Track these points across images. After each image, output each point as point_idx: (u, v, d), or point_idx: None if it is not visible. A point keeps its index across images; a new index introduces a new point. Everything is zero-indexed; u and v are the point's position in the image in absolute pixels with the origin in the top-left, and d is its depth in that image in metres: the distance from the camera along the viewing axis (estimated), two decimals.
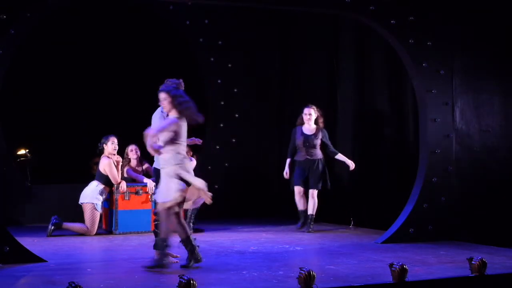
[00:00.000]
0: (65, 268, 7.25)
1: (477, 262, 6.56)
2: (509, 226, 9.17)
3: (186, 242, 7.31)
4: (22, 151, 11.68)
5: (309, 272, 5.89)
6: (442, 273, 6.90)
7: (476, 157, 9.43)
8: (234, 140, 12.22)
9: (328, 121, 11.67)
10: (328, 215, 11.35)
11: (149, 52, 12.13)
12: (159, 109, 7.84)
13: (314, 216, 10.16)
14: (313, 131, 10.14)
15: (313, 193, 10.12)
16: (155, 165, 7.82)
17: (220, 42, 12.20)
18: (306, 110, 10.16)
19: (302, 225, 10.27)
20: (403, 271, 6.20)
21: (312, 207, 10.14)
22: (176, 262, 7.62)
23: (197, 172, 10.70)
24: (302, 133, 10.16)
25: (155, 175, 7.84)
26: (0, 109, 10.86)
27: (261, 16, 12.16)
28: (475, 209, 9.31)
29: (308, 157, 10.11)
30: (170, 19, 12.04)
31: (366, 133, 10.86)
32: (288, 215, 11.98)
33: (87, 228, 9.70)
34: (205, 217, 11.06)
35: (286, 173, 10.30)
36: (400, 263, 6.26)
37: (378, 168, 10.67)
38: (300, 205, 10.28)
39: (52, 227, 9.57)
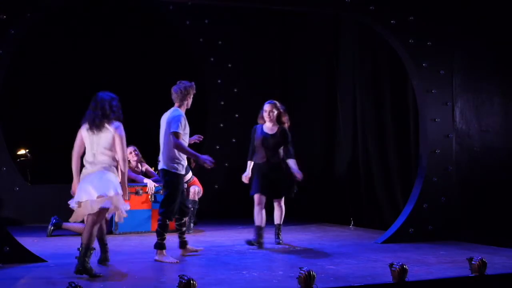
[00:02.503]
0: (65, 268, 7.23)
1: (477, 262, 6.56)
2: (509, 226, 9.17)
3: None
4: (22, 151, 11.69)
5: (309, 272, 5.89)
6: (442, 273, 6.90)
7: (476, 157, 9.43)
8: (234, 140, 12.23)
9: (328, 121, 11.71)
10: (328, 215, 11.37)
11: (149, 53, 12.14)
12: (172, 110, 7.86)
13: (281, 225, 9.03)
14: (274, 131, 8.87)
15: (280, 202, 8.96)
16: (161, 166, 7.86)
17: (220, 42, 12.21)
18: (266, 106, 8.88)
19: (257, 242, 8.67)
20: (403, 271, 6.20)
21: (279, 216, 8.97)
22: (177, 262, 7.64)
23: (197, 172, 10.78)
24: (262, 132, 8.89)
25: (162, 176, 7.89)
26: (0, 109, 10.87)
27: (261, 16, 12.16)
28: (475, 209, 9.30)
29: (268, 160, 8.83)
30: (170, 19, 12.05)
31: (366, 133, 10.85)
32: (287, 215, 11.98)
33: None
34: (205, 217, 11.08)
35: (245, 176, 8.99)
36: (400, 263, 6.26)
37: (378, 168, 10.67)
38: (257, 219, 8.72)
39: (52, 227, 9.58)
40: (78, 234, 9.67)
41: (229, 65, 12.26)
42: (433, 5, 9.25)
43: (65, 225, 9.66)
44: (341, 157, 11.36)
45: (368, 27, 9.90)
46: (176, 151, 7.71)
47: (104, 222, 7.51)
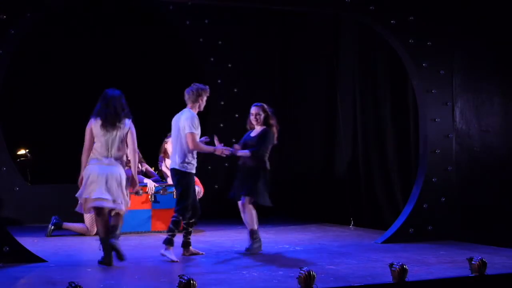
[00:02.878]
0: (65, 268, 7.25)
1: (477, 262, 6.56)
2: (509, 226, 9.18)
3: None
4: (22, 151, 11.69)
5: (309, 272, 5.90)
6: (442, 273, 6.90)
7: (476, 157, 9.43)
8: (234, 140, 12.21)
9: (328, 121, 11.70)
10: (328, 215, 11.36)
11: (149, 53, 12.14)
12: (184, 111, 7.97)
13: (255, 230, 8.32)
14: (258, 132, 8.48)
15: (245, 201, 8.32)
16: (172, 165, 7.96)
17: (220, 42, 12.20)
18: (252, 109, 8.55)
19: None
20: (403, 271, 6.20)
21: (249, 219, 8.34)
22: (177, 261, 7.65)
23: (198, 172, 10.78)
24: (247, 135, 8.61)
25: (173, 176, 7.99)
26: (0, 109, 10.87)
27: (261, 16, 12.16)
28: (475, 209, 9.31)
29: (244, 163, 8.40)
30: (170, 19, 12.05)
31: (366, 133, 10.86)
32: (288, 215, 11.99)
33: (87, 228, 9.71)
34: (205, 217, 11.06)
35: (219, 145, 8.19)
36: (400, 263, 6.27)
37: (378, 168, 10.67)
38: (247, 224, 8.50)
39: (52, 227, 9.58)
40: (78, 234, 9.70)
41: (229, 65, 12.26)
42: (433, 5, 9.25)
43: (66, 225, 9.67)
44: (341, 157, 11.36)
45: (368, 27, 9.90)
46: (188, 151, 7.85)
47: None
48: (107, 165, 7.45)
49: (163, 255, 7.74)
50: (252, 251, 8.23)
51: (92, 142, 7.52)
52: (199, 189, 10.13)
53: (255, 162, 8.33)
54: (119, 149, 7.50)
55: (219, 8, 11.77)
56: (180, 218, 7.88)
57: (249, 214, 8.28)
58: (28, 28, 10.53)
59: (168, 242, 7.78)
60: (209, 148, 8.11)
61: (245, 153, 8.30)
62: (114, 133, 7.48)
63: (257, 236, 8.33)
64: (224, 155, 8.19)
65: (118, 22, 11.90)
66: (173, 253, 7.77)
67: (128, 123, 7.55)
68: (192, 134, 7.81)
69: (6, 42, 9.94)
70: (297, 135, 12.27)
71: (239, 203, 8.48)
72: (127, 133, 7.54)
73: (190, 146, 7.82)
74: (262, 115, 8.49)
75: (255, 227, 8.23)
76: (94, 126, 7.49)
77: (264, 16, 12.16)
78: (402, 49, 9.17)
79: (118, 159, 7.52)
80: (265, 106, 8.56)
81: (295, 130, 12.30)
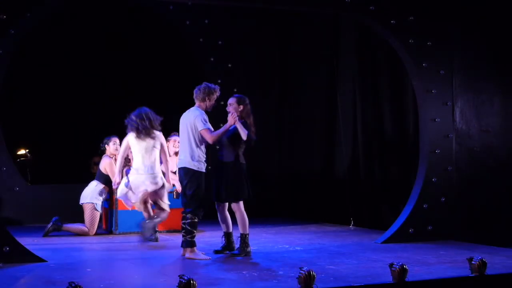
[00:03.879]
0: (65, 268, 7.25)
1: (477, 262, 6.56)
2: (509, 226, 9.17)
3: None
4: (22, 151, 11.70)
5: (309, 272, 5.89)
6: (442, 273, 6.90)
7: (476, 157, 9.43)
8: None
9: (328, 121, 11.70)
10: (328, 215, 11.37)
11: (149, 52, 12.15)
12: (192, 109, 7.99)
13: (246, 235, 8.01)
14: (235, 126, 8.00)
15: (233, 206, 8.03)
16: (181, 164, 7.89)
17: (220, 42, 12.21)
18: (228, 100, 8.18)
19: (223, 249, 8.22)
20: (403, 271, 6.20)
21: (239, 223, 8.03)
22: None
23: None
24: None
25: (183, 175, 7.91)
26: (0, 109, 10.88)
27: (261, 16, 12.16)
28: (475, 209, 9.31)
29: (219, 159, 8.14)
30: (170, 19, 12.05)
31: (367, 133, 10.86)
32: (288, 215, 11.99)
33: (87, 229, 9.70)
34: (205, 217, 11.06)
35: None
36: (400, 263, 6.26)
37: (378, 168, 10.67)
38: (223, 226, 8.27)
39: (51, 228, 9.54)
40: (76, 234, 9.69)
41: (229, 65, 12.26)
42: (433, 5, 9.25)
43: (65, 227, 9.66)
44: (341, 157, 11.36)
45: (368, 27, 9.90)
46: (197, 149, 7.85)
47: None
48: (142, 174, 8.75)
49: (189, 259, 7.74)
50: (240, 255, 7.97)
51: (125, 151, 8.94)
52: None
53: (233, 159, 8.01)
54: (151, 158, 8.76)
55: (219, 8, 11.78)
56: (195, 218, 7.85)
57: (241, 219, 8.00)
58: (28, 28, 10.54)
59: (190, 245, 7.79)
60: (224, 130, 7.91)
61: (243, 130, 7.86)
62: (147, 143, 8.73)
63: (248, 242, 8.02)
64: (238, 120, 7.84)
65: (118, 22, 11.91)
66: (200, 253, 7.84)
67: (158, 134, 8.79)
68: (206, 130, 7.82)
69: (6, 42, 9.95)
70: (297, 135, 12.27)
71: (217, 204, 8.18)
72: (159, 143, 8.83)
73: (209, 141, 7.84)
74: (235, 106, 8.06)
75: (247, 231, 8.04)
76: (130, 138, 8.80)
77: (264, 16, 12.17)
78: (402, 49, 9.17)
79: (153, 167, 8.78)
80: (244, 99, 8.15)
81: (295, 130, 12.31)
